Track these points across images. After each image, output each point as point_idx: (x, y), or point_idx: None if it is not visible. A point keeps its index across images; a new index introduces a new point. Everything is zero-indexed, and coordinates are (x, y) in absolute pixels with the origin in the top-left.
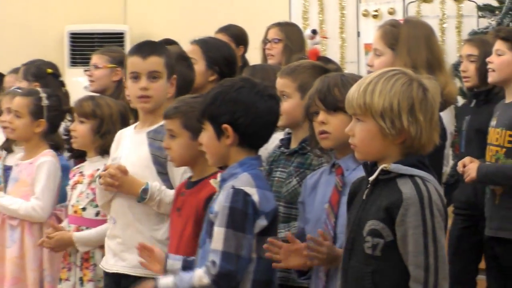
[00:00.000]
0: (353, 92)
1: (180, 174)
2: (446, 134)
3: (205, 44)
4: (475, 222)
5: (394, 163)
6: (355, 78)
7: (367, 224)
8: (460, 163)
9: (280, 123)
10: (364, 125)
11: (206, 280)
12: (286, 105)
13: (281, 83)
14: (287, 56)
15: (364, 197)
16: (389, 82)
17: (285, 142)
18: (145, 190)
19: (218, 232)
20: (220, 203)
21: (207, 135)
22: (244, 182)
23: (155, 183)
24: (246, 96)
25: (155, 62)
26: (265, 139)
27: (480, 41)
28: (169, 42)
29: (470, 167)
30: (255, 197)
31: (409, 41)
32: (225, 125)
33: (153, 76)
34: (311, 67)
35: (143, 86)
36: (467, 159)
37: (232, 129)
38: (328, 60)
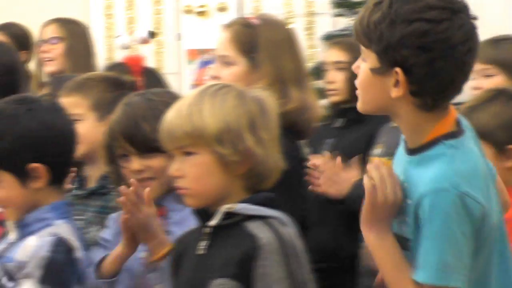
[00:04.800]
0: (172, 119)
1: None
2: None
3: None
4: (333, 281)
5: (240, 202)
6: (166, 100)
7: (213, 285)
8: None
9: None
10: (197, 158)
11: None
12: (80, 130)
13: (69, 103)
14: (72, 60)
15: (201, 251)
16: (216, 97)
17: (78, 181)
18: None
19: (25, 286)
20: (29, 252)
21: (5, 187)
22: (67, 232)
23: None
24: (44, 120)
25: None
26: (70, 167)
27: (350, 45)
28: None
29: (343, 177)
30: (79, 254)
31: (271, 47)
32: (32, 165)
33: None
34: (103, 80)
35: None
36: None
37: (44, 166)
38: (154, 74)
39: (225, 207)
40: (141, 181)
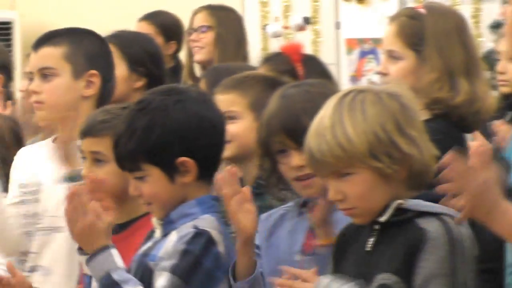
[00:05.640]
0: (319, 146)
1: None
2: None
3: (120, 39)
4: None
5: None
6: (323, 91)
7: (375, 280)
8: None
9: (228, 153)
10: (355, 177)
11: None
12: (235, 129)
13: (226, 100)
14: (221, 49)
15: (368, 248)
16: (354, 110)
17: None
18: None
19: (160, 278)
20: (169, 247)
21: (152, 182)
22: (210, 224)
23: None
24: (192, 111)
25: (46, 55)
26: (219, 162)
27: None
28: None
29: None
30: (221, 248)
31: (438, 37)
32: (180, 159)
33: (44, 74)
34: (262, 80)
35: (32, 88)
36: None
37: (191, 160)
38: (315, 62)
39: (396, 202)
40: (301, 178)
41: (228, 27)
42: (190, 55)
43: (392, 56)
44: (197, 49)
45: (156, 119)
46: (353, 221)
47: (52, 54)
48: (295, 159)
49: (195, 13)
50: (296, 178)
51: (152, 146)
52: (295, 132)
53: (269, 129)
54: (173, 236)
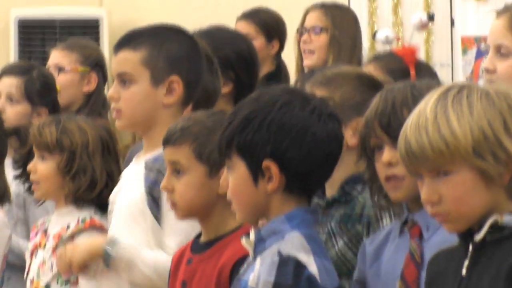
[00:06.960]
0: (418, 138)
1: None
2: None
3: (212, 39)
4: None
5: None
6: (433, 86)
7: None
8: None
9: None
10: (455, 177)
11: None
12: None
13: None
14: (335, 54)
15: (464, 271)
16: (460, 103)
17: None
18: (113, 242)
19: None
20: (258, 276)
21: (236, 175)
22: (295, 245)
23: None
24: (298, 117)
25: (125, 59)
26: (323, 180)
27: None
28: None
29: None
30: (313, 268)
31: None
32: (267, 162)
33: (122, 79)
34: (356, 77)
35: (110, 94)
36: None
37: (278, 168)
38: (426, 67)
39: (492, 219)
40: (389, 179)
41: (344, 29)
42: (301, 57)
43: (501, 52)
44: (308, 53)
45: (258, 112)
46: (445, 228)
47: (130, 59)
48: (387, 154)
49: (308, 11)
50: (386, 178)
51: (243, 138)
52: (389, 124)
53: (367, 122)
54: (258, 264)
